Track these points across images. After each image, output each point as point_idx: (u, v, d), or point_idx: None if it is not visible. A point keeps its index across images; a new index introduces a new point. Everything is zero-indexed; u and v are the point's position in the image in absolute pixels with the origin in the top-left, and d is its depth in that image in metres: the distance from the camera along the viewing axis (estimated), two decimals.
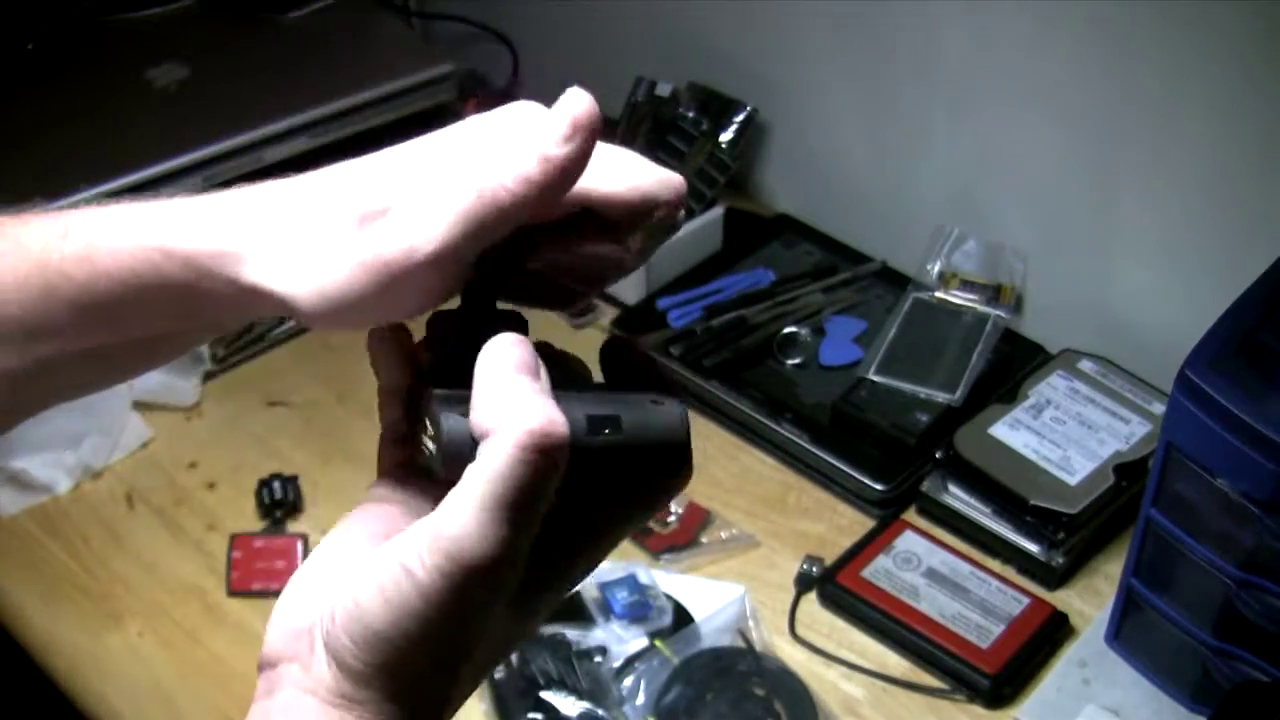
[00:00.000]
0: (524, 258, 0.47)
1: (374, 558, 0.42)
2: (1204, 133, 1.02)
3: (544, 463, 0.40)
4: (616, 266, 0.49)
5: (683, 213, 0.48)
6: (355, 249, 0.43)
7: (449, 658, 0.42)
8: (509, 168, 0.42)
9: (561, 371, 0.45)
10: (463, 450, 0.42)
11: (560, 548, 0.45)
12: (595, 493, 0.46)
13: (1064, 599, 1.00)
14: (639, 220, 0.46)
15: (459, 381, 0.43)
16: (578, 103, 0.43)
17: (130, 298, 0.46)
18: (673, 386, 0.48)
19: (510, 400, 0.41)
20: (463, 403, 0.42)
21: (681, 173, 0.47)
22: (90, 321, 0.47)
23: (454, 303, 0.47)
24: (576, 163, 0.43)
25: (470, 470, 0.41)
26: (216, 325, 0.50)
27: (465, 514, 0.40)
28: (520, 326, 0.46)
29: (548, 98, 0.50)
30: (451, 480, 0.41)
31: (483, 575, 0.40)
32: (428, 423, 0.44)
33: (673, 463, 0.46)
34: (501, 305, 0.47)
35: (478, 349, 0.43)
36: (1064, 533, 0.99)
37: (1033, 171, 1.16)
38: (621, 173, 0.46)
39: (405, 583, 0.40)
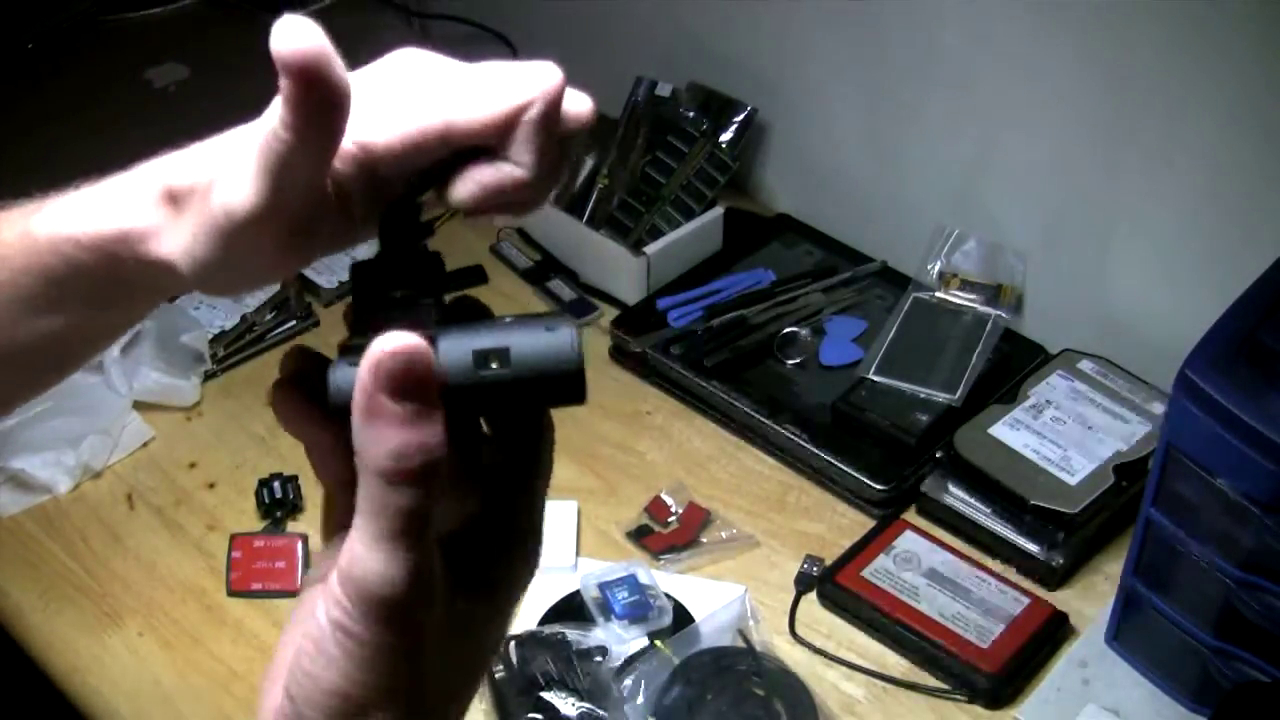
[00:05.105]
0: (412, 206, 0.47)
1: (307, 625, 0.41)
2: (1204, 133, 1.02)
3: (413, 486, 0.40)
4: (522, 184, 0.46)
5: (583, 103, 0.47)
6: (198, 216, 0.46)
7: (404, 691, 0.42)
8: (269, 116, 0.43)
9: (469, 313, 0.45)
10: (347, 398, 0.41)
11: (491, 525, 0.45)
12: (489, 421, 0.46)
13: (1064, 599, 1.00)
14: (514, 131, 0.46)
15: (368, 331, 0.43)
16: (278, 40, 0.40)
17: (49, 292, 0.50)
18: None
19: (370, 427, 0.40)
20: (357, 352, 0.42)
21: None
22: (12, 319, 0.51)
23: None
24: (314, 88, 0.41)
25: (358, 506, 0.41)
26: (129, 309, 0.53)
27: (364, 552, 0.40)
28: (437, 266, 0.47)
29: None
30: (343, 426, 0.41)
31: (403, 603, 0.40)
32: None
33: (567, 392, 0.44)
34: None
35: (390, 299, 0.45)
36: (1064, 533, 0.99)
37: (1033, 171, 1.16)
38: (475, 95, 0.46)
39: (336, 633, 0.40)
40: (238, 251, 0.45)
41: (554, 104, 0.46)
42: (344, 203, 0.46)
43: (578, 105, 0.47)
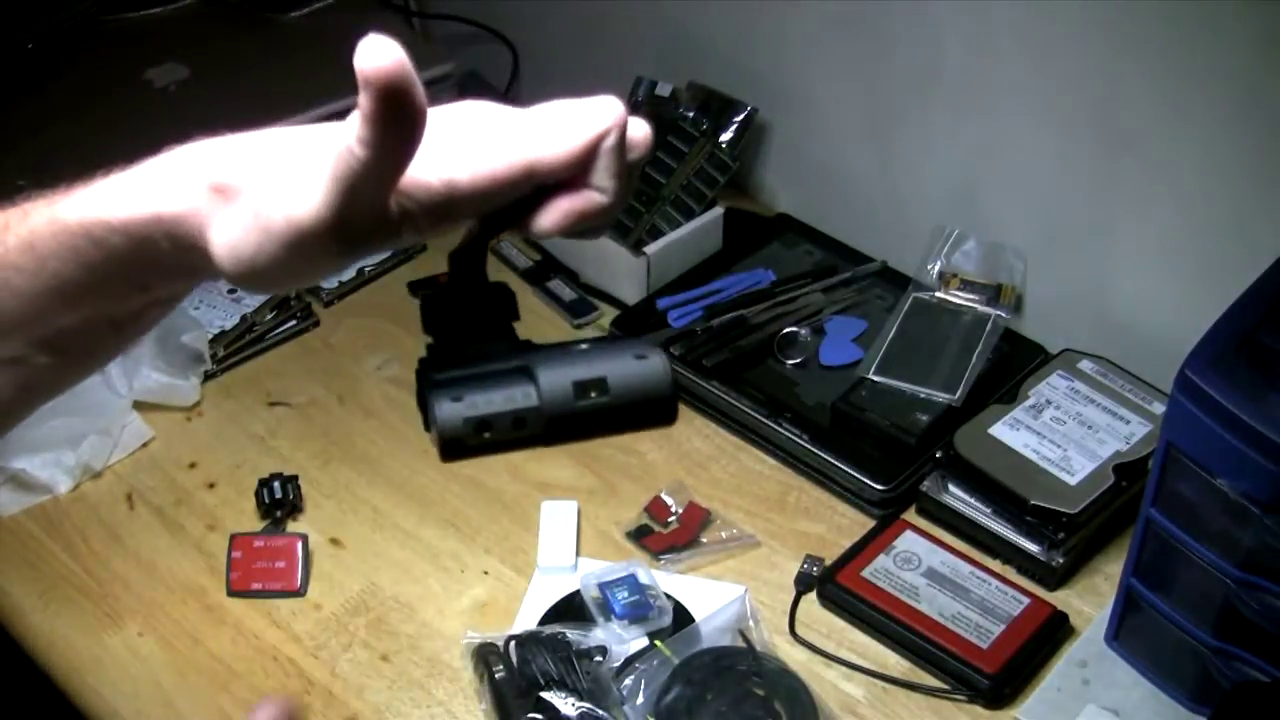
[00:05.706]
0: (485, 244, 0.50)
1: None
2: (1204, 134, 1.02)
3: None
4: (605, 208, 0.50)
5: (642, 129, 0.50)
6: (253, 219, 0.46)
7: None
8: (345, 132, 0.44)
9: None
10: (456, 433, 0.45)
11: None
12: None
13: (1064, 599, 1.00)
14: (594, 163, 0.48)
15: (453, 363, 0.47)
16: (363, 58, 0.42)
17: (80, 277, 0.50)
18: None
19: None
20: (454, 387, 0.45)
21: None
22: (43, 307, 0.51)
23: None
24: (395, 106, 0.42)
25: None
26: (161, 293, 0.53)
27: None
28: (507, 299, 0.49)
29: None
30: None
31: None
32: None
33: (660, 415, 0.49)
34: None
35: (468, 331, 0.47)
36: (1064, 533, 0.99)
37: (1033, 171, 1.16)
38: (553, 132, 0.48)
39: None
40: (284, 257, 0.46)
41: (624, 132, 0.49)
42: (400, 220, 0.47)
43: (640, 131, 0.50)
